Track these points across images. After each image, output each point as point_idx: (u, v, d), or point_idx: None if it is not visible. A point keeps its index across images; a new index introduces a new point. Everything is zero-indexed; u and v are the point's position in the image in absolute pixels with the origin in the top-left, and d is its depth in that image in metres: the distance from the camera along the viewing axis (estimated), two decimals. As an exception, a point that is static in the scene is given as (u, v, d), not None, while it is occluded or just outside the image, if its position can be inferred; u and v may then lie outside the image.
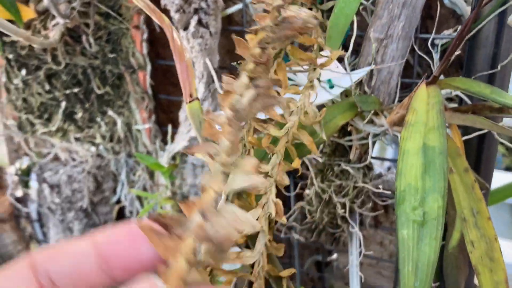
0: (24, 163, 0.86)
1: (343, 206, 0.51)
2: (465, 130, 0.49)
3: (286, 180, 0.33)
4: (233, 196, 0.34)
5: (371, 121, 0.48)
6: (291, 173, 0.60)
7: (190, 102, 0.33)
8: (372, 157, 0.52)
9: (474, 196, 0.39)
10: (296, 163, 0.33)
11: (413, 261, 0.28)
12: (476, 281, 0.59)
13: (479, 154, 0.49)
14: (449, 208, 0.50)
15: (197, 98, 0.32)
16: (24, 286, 0.18)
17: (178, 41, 0.32)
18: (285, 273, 0.31)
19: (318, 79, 0.34)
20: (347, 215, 0.50)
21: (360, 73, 0.46)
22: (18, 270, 0.18)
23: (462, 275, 0.54)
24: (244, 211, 0.17)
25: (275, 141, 0.34)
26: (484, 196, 0.50)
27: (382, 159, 0.56)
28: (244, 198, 0.35)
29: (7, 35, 0.58)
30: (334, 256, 0.70)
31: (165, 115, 0.70)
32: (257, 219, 0.32)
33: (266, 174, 0.33)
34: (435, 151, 0.32)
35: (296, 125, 0.34)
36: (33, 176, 0.87)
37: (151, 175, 0.69)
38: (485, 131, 0.47)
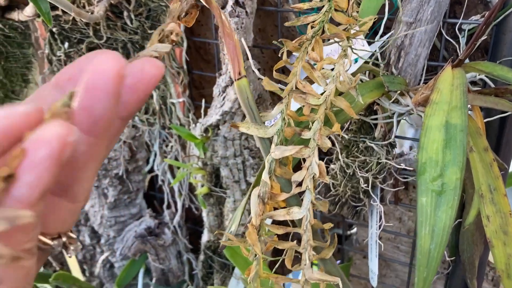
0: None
1: (366, 180, 0.54)
2: (487, 112, 0.51)
3: (328, 143, 0.36)
4: (275, 165, 0.37)
5: (397, 101, 0.50)
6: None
7: (238, 79, 0.36)
8: (396, 136, 0.54)
9: (492, 174, 0.42)
10: (336, 127, 0.36)
11: (430, 225, 0.31)
12: (490, 258, 0.61)
13: (500, 136, 0.51)
14: (468, 187, 0.52)
15: (245, 76, 0.35)
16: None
17: (226, 21, 0.35)
18: (327, 225, 0.34)
19: (351, 47, 0.36)
20: (369, 189, 0.53)
21: (379, 42, 0.49)
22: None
23: (477, 251, 0.56)
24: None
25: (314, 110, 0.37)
26: (503, 176, 0.52)
27: (406, 138, 0.59)
28: (284, 166, 0.38)
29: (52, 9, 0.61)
30: (354, 230, 0.73)
31: (197, 90, 0.74)
32: (302, 180, 0.35)
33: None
34: (457, 128, 0.35)
35: (333, 92, 0.37)
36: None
37: (183, 147, 0.73)
38: (507, 114, 0.49)
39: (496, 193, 0.41)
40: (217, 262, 0.69)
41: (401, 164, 0.58)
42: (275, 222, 0.43)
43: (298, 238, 0.37)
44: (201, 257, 0.72)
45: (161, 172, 0.76)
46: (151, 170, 0.79)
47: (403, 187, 0.59)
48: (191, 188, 0.76)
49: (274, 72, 0.40)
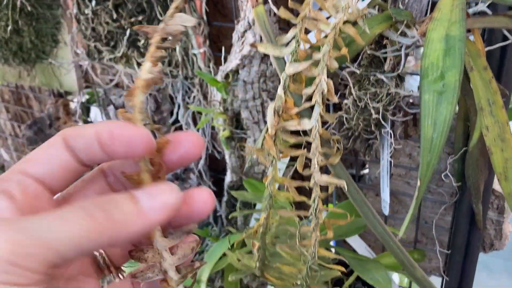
0: (85, 96, 0.97)
1: (377, 112, 0.58)
2: (488, 42, 0.54)
3: (335, 64, 0.40)
4: (289, 81, 0.42)
5: (404, 34, 0.54)
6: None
7: (256, 6, 0.40)
8: (405, 73, 0.58)
9: (490, 89, 0.46)
10: (344, 51, 0.41)
11: (432, 118, 0.36)
12: (495, 186, 0.66)
13: (501, 65, 0.55)
14: (472, 114, 0.56)
15: (262, 3, 0.40)
16: (57, 154, 0.25)
17: None
18: (336, 137, 0.39)
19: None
20: (380, 117, 0.58)
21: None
22: (52, 142, 0.26)
23: (481, 176, 0.61)
24: (187, 15, 0.30)
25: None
26: (505, 103, 0.56)
27: (415, 74, 0.63)
28: (297, 83, 0.43)
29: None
30: (367, 170, 0.77)
31: (215, 44, 0.78)
32: (312, 94, 0.40)
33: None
34: (456, 39, 0.39)
35: (342, 21, 0.41)
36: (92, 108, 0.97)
37: (204, 96, 0.78)
38: (507, 42, 0.53)
39: (494, 106, 0.46)
40: (239, 201, 0.75)
41: (410, 100, 0.62)
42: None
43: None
44: (225, 197, 0.77)
45: (185, 122, 0.81)
46: (175, 122, 0.84)
47: (411, 118, 0.63)
48: (213, 137, 0.81)
49: (289, 1, 0.44)
